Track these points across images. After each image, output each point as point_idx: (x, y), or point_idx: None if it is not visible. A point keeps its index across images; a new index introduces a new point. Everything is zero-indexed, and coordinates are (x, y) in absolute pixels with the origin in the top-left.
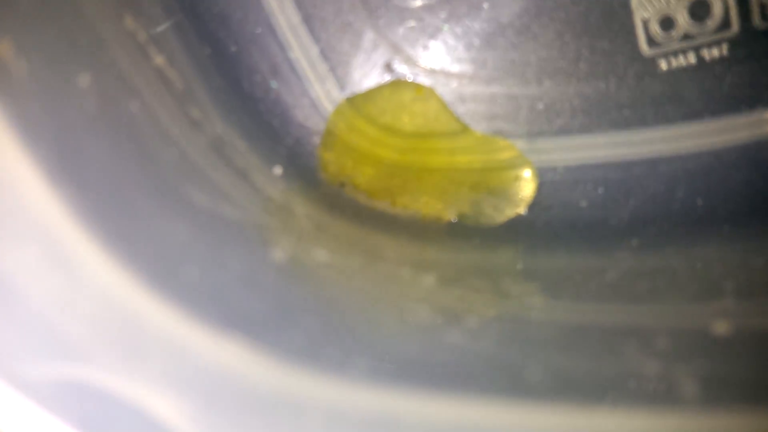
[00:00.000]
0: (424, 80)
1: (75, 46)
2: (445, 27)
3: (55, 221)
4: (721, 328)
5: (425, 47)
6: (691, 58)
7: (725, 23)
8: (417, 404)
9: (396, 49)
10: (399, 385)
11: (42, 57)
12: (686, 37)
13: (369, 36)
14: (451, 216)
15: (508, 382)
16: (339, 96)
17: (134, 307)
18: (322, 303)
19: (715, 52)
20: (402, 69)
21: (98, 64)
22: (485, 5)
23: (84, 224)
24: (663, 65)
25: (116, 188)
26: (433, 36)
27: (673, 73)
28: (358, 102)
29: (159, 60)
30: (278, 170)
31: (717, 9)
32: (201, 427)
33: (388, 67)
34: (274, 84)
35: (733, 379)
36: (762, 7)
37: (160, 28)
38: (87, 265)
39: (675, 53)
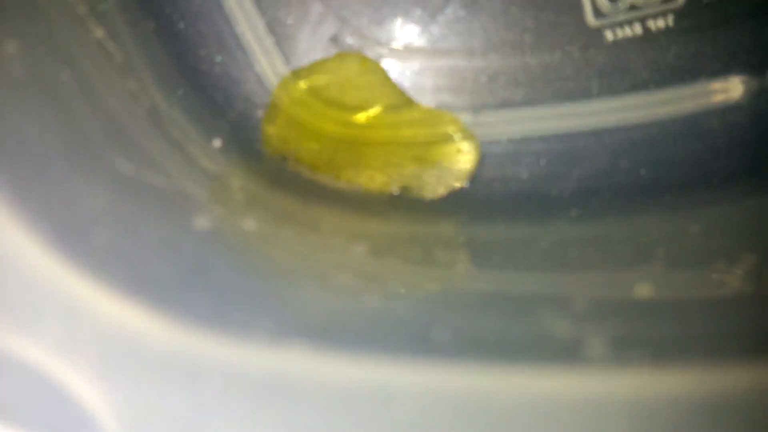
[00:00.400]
0: (370, 53)
1: (3, 12)
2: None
3: None
4: (644, 291)
5: (372, 20)
6: (637, 29)
7: None
8: (319, 367)
9: (343, 21)
10: (304, 347)
11: None
12: (632, 7)
13: (316, 8)
14: (394, 189)
15: (417, 341)
16: (284, 70)
17: (35, 266)
18: (239, 270)
19: (661, 23)
20: (348, 42)
21: (29, 33)
22: None
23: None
24: (609, 36)
25: (32, 149)
26: (379, 8)
27: (619, 44)
28: (302, 75)
29: (99, 33)
30: (218, 143)
31: None
32: (99, 389)
33: (335, 40)
34: (219, 58)
35: (648, 339)
36: None
37: (107, 5)
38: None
39: (621, 24)
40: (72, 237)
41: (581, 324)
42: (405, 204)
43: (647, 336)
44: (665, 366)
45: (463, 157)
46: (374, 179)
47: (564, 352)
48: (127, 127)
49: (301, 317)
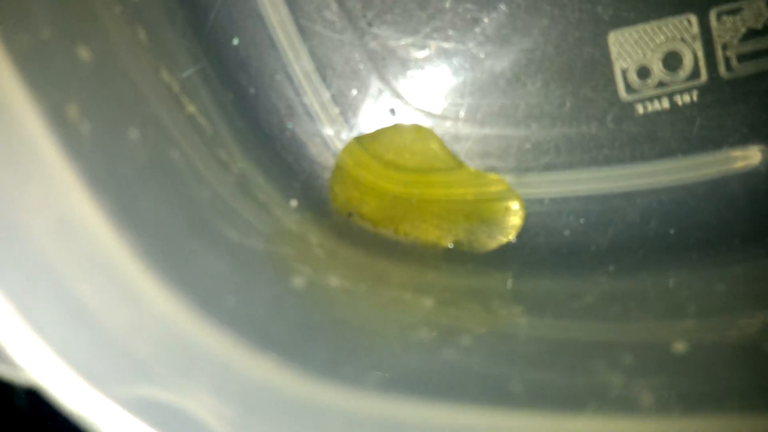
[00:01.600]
0: (424, 122)
1: (123, 103)
2: (445, 76)
3: (121, 258)
4: (680, 346)
5: (425, 93)
6: (665, 103)
7: (695, 73)
8: (419, 412)
9: (399, 95)
10: (403, 395)
11: (99, 116)
12: (660, 84)
13: (375, 83)
14: (447, 243)
15: (495, 392)
16: (348, 136)
17: (187, 331)
18: (336, 324)
19: (687, 98)
20: (404, 112)
21: (142, 118)
22: (481, 56)
23: (143, 260)
24: (640, 109)
25: (165, 227)
26: (432, 83)
27: (649, 116)
28: (364, 141)
29: (191, 108)
30: (294, 203)
31: (688, 60)
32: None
33: (392, 111)
34: (289, 125)
35: (686, 391)
36: (727, 59)
37: (188, 73)
38: (148, 295)
39: (650, 99)
40: (209, 301)
41: (632, 377)
42: (458, 256)
43: (687, 387)
44: (701, 413)
45: (510, 215)
46: (429, 233)
47: (618, 402)
48: (224, 196)
49: (396, 368)
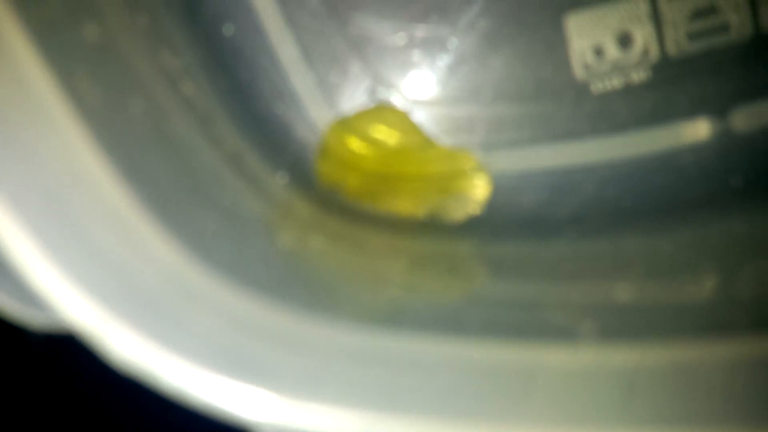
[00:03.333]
0: (402, 104)
1: (126, 79)
2: (419, 61)
3: (128, 208)
4: (623, 294)
5: (403, 77)
6: (619, 82)
7: (646, 52)
8: (381, 343)
9: (378, 78)
10: (375, 330)
11: (104, 87)
12: (614, 64)
13: (356, 68)
14: (422, 215)
15: (451, 325)
16: (331, 117)
17: (185, 271)
18: (317, 276)
19: (639, 77)
20: (383, 95)
21: (144, 93)
22: (453, 42)
23: (148, 212)
24: (595, 88)
25: (166, 187)
26: (409, 68)
27: (604, 94)
28: (347, 122)
29: (187, 89)
30: (283, 178)
31: (640, 41)
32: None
33: (372, 93)
34: (278, 108)
35: (626, 327)
36: (676, 40)
37: (185, 57)
38: (153, 241)
39: (605, 77)
40: (206, 251)
41: (575, 318)
42: (431, 227)
43: (628, 326)
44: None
45: (478, 189)
46: (406, 207)
47: (561, 336)
48: (218, 169)
49: (367, 313)
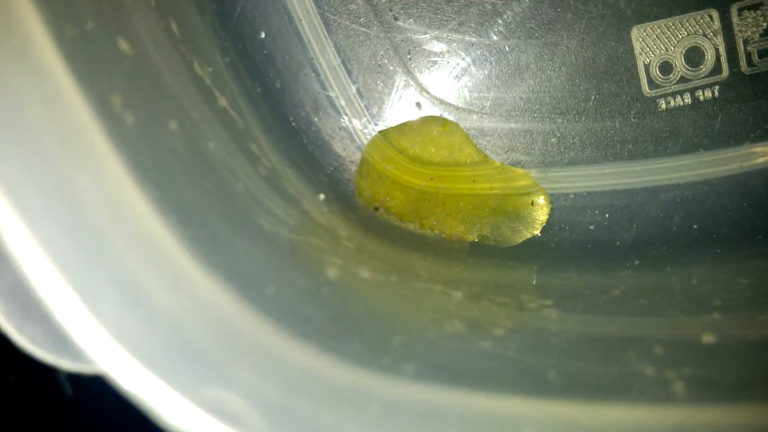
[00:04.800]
0: (450, 116)
1: (161, 95)
2: (471, 70)
3: (167, 244)
4: (708, 338)
5: (451, 87)
6: (687, 99)
7: (717, 68)
8: (456, 400)
9: (424, 88)
10: (441, 384)
11: (140, 107)
12: (683, 79)
13: (400, 77)
14: (473, 237)
15: (532, 380)
16: (373, 129)
17: (231, 317)
18: (370, 314)
19: (708, 94)
20: (430, 106)
21: (179, 110)
22: (506, 50)
23: (188, 247)
24: (662, 105)
25: (204, 215)
26: (458, 77)
27: (671, 112)
28: (390, 135)
29: (222, 101)
30: (322, 196)
31: (709, 56)
32: (281, 416)
33: (418, 105)
34: (316, 119)
35: (716, 381)
36: (748, 55)
37: (218, 66)
38: (194, 281)
39: (673, 94)
40: (252, 291)
41: (663, 367)
42: (483, 250)
43: (717, 377)
44: (730, 402)
45: (536, 209)
46: (454, 227)
47: (651, 391)
48: (256, 188)
49: (432, 358)
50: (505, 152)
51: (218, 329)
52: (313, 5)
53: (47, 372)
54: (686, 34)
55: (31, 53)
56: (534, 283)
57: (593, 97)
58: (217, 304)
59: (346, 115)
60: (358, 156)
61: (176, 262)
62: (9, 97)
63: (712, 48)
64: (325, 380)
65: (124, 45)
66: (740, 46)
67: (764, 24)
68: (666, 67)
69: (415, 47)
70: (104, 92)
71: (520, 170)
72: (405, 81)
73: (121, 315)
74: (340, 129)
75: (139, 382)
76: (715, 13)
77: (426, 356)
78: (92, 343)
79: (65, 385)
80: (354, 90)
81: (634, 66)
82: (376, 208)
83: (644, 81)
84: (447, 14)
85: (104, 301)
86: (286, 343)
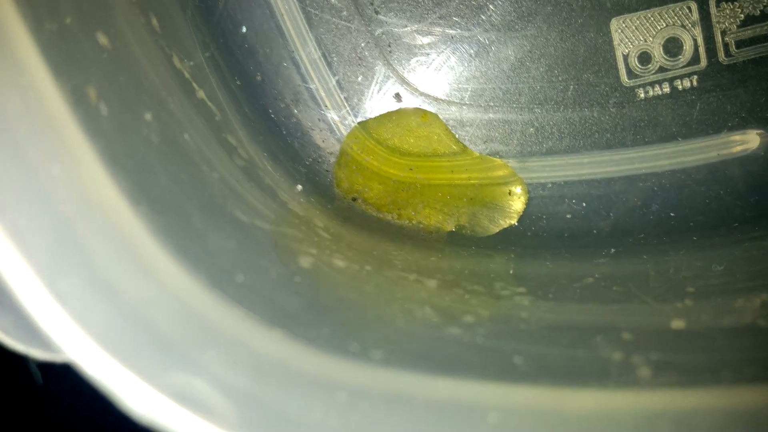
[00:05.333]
0: (429, 107)
1: (138, 87)
2: (449, 62)
3: (138, 234)
4: (677, 324)
5: (430, 79)
6: (666, 88)
7: (695, 59)
8: (422, 386)
9: (404, 80)
10: (408, 370)
11: (115, 98)
12: (661, 69)
13: (380, 69)
14: (450, 227)
15: (496, 367)
16: (352, 121)
17: (200, 305)
18: (342, 302)
19: (687, 83)
20: (409, 98)
21: (156, 102)
22: (486, 43)
23: (158, 237)
24: (641, 94)
25: (178, 206)
26: (437, 69)
27: (650, 101)
28: (369, 126)
29: (200, 94)
30: (299, 187)
31: (688, 46)
32: (248, 403)
33: (397, 96)
34: (295, 111)
35: (683, 366)
36: (726, 46)
37: (198, 60)
38: (163, 270)
39: (651, 84)
40: (221, 279)
41: (631, 353)
42: (460, 240)
43: (684, 362)
44: (696, 386)
45: (513, 199)
46: (432, 217)
47: (616, 376)
48: (233, 180)
49: (401, 345)
50: (484, 143)
51: (185, 317)
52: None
53: (18, 360)
54: (665, 25)
55: (8, 45)
56: (509, 271)
57: (572, 87)
58: (185, 291)
59: (326, 107)
60: (337, 147)
61: (144, 251)
62: None
63: (691, 39)
64: (293, 367)
65: (102, 39)
66: (718, 37)
67: (741, 15)
68: (645, 58)
69: (395, 40)
70: (80, 85)
71: (498, 160)
72: (385, 73)
73: (87, 303)
74: (319, 121)
75: (104, 370)
76: (693, 5)
77: (395, 343)
78: (58, 330)
79: (36, 374)
80: (334, 82)
81: (613, 57)
82: (354, 199)
83: (623, 71)
84: (427, 7)
85: (70, 289)
86: (255, 331)
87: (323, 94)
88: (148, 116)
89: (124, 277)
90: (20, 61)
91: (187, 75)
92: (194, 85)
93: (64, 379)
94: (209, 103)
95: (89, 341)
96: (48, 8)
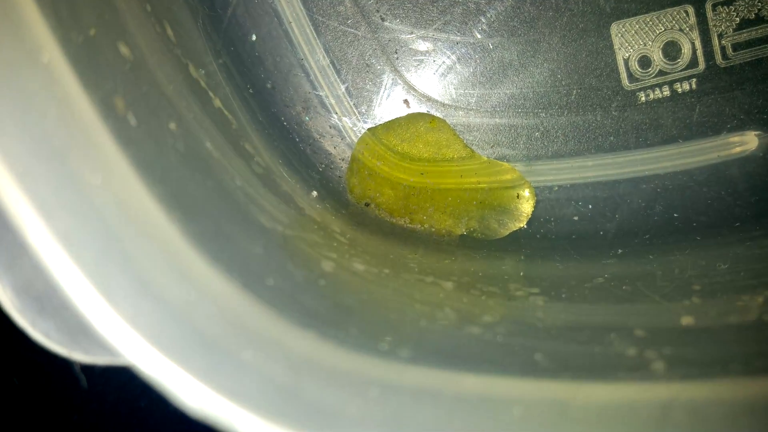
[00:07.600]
0: (437, 112)
1: (160, 97)
2: (456, 68)
3: (174, 239)
4: (687, 321)
5: (437, 84)
6: (666, 91)
7: (693, 62)
8: (449, 381)
9: (412, 86)
10: (434, 367)
11: (141, 108)
12: (661, 73)
13: (388, 76)
14: (461, 230)
15: (518, 363)
16: (362, 127)
17: (236, 307)
18: (366, 304)
19: (686, 86)
20: (417, 103)
21: (177, 111)
22: (490, 47)
23: (193, 241)
24: (642, 97)
25: (207, 211)
26: (444, 74)
27: (651, 104)
28: (378, 132)
29: (217, 102)
30: (314, 193)
31: (686, 50)
32: (288, 398)
33: (405, 102)
34: (306, 118)
35: (694, 359)
36: (723, 49)
37: (212, 68)
38: (199, 273)
39: (652, 87)
40: (252, 282)
41: (644, 348)
42: (471, 243)
43: (694, 355)
44: (707, 378)
45: (521, 202)
46: (443, 221)
47: (632, 369)
48: (252, 186)
49: (426, 344)
50: (491, 147)
51: (224, 318)
52: (302, 8)
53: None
54: (663, 29)
55: (41, 58)
56: (521, 273)
57: (575, 91)
58: (222, 294)
59: (336, 113)
60: (348, 153)
61: (182, 255)
62: (23, 99)
63: (689, 42)
64: (327, 365)
65: (124, 49)
66: (715, 41)
67: (737, 19)
68: (645, 61)
69: (401, 47)
70: (108, 95)
71: (505, 164)
72: (392, 79)
73: (138, 306)
74: (330, 127)
75: (160, 370)
76: (690, 9)
77: (419, 342)
78: (116, 335)
79: (80, 377)
80: (343, 89)
81: (614, 61)
82: (367, 204)
83: (624, 75)
84: (432, 14)
85: (121, 294)
86: (288, 331)
87: (333, 101)
88: (172, 125)
89: (166, 280)
90: (53, 72)
91: (203, 84)
92: (210, 93)
93: (111, 382)
94: (225, 112)
95: (141, 340)
96: (73, 20)
